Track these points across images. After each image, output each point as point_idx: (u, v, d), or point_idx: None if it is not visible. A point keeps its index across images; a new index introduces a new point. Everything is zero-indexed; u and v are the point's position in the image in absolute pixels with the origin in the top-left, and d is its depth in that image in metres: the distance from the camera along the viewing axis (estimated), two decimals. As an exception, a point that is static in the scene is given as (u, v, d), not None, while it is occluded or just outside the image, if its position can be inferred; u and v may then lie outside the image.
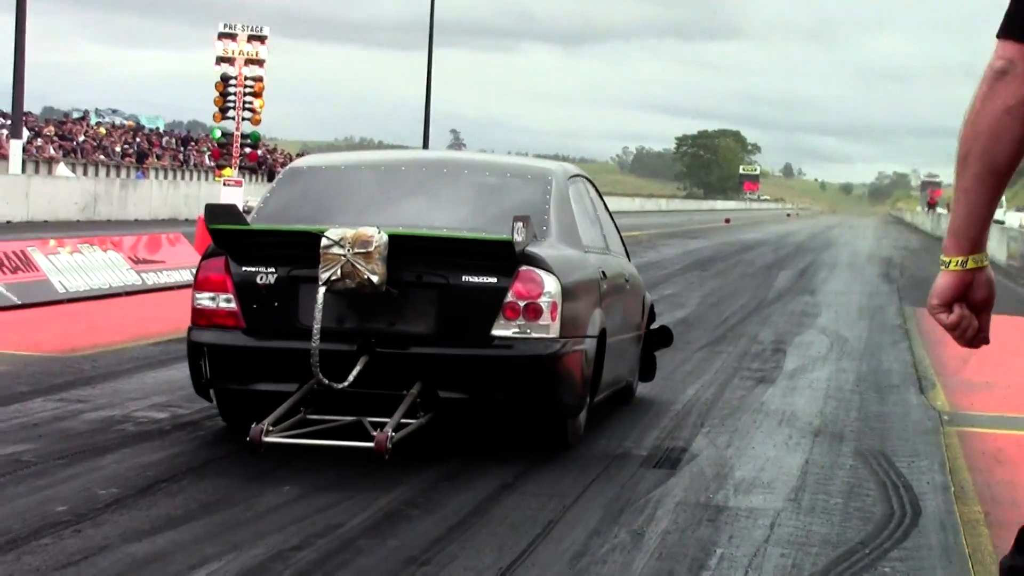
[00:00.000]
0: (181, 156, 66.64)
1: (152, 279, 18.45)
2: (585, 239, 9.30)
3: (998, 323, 19.18)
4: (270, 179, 57.70)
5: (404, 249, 8.00)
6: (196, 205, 41.41)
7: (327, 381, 7.94)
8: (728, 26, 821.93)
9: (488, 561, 6.00)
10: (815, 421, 10.46)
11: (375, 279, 7.92)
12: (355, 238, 7.92)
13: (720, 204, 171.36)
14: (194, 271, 8.59)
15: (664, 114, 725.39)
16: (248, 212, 8.90)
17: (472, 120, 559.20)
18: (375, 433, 7.61)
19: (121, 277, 17.83)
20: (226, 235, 8.23)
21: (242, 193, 31.51)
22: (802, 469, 8.64)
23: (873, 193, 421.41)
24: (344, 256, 7.90)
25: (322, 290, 7.90)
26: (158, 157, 63.32)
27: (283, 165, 55.54)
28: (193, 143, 71.36)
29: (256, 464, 7.69)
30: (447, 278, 8.12)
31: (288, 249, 8.17)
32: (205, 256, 8.41)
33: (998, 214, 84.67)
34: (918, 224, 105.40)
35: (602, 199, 10.60)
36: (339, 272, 7.90)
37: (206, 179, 59.16)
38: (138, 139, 65.05)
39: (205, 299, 8.34)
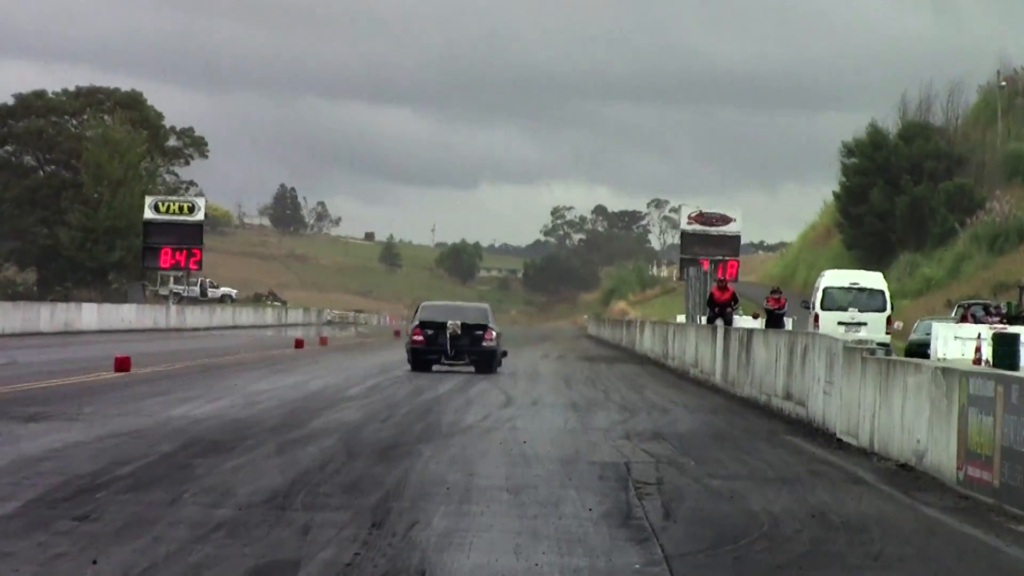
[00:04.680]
0: None
1: None
2: (494, 319, 46.10)
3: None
4: None
5: (464, 326, 43.54)
6: None
7: (450, 354, 43.44)
8: None
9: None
10: None
11: (459, 333, 43.09)
12: (454, 325, 42.96)
13: (46, 315, 71.52)
14: (409, 330, 45.38)
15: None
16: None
17: None
18: (465, 364, 43.95)
19: None
20: (424, 322, 43.69)
21: None
22: None
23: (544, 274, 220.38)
24: (455, 329, 42.97)
25: (449, 337, 43.01)
26: None
27: None
28: None
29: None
30: (472, 332, 43.58)
31: (436, 326, 43.71)
32: (414, 325, 44.32)
33: (916, 330, 48.00)
34: (670, 359, 52.22)
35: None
36: (454, 332, 42.92)
37: None
38: None
39: (415, 336, 43.49)
